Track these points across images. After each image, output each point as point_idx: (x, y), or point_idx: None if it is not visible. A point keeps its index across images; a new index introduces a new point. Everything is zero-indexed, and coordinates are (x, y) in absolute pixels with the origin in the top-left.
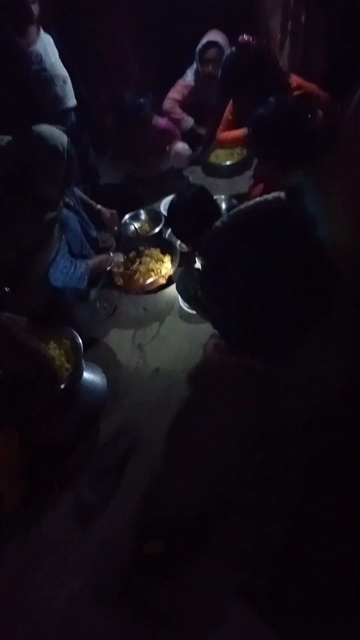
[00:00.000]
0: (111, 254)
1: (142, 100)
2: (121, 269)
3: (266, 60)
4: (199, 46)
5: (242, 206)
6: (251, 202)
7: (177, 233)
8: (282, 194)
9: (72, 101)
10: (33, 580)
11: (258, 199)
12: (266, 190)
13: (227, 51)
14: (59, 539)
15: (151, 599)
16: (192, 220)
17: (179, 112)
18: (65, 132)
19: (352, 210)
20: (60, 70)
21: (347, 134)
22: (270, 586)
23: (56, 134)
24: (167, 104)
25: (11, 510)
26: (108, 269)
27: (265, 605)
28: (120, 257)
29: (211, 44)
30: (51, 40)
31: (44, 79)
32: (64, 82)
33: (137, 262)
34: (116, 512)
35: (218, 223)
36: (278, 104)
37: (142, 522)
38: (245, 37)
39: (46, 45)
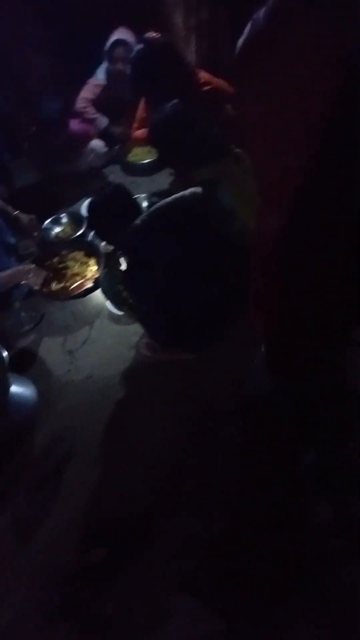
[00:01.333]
0: (32, 267)
1: (51, 111)
2: (37, 286)
3: (173, 56)
4: (107, 45)
5: (160, 203)
6: (169, 199)
7: (98, 233)
8: (198, 189)
9: None
10: None
11: (176, 195)
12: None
13: (135, 48)
14: None
15: (96, 606)
16: (112, 219)
17: (92, 112)
18: None
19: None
20: None
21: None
22: (213, 577)
23: None
24: (80, 103)
25: None
26: (23, 282)
27: (210, 597)
28: (40, 277)
29: (119, 42)
30: None
31: None
32: None
33: (62, 267)
34: (55, 523)
35: (138, 221)
36: (171, 110)
37: (83, 529)
38: (152, 33)
39: None
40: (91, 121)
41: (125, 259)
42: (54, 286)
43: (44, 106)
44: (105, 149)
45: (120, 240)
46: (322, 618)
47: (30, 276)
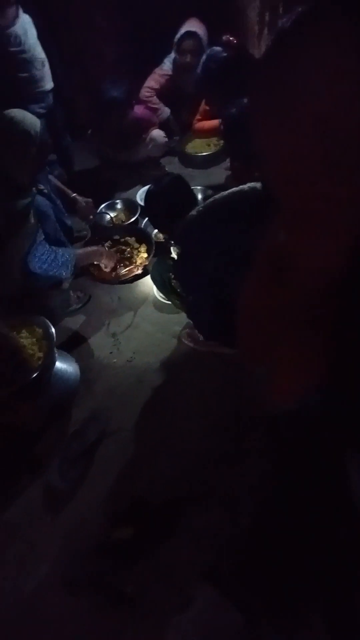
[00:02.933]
0: (106, 249)
1: (117, 93)
2: (108, 269)
3: (246, 61)
4: (178, 36)
5: (217, 195)
6: (227, 192)
7: (153, 221)
8: (258, 184)
9: (49, 84)
10: None
11: (234, 188)
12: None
13: (205, 41)
14: (26, 525)
15: (119, 583)
16: (169, 208)
17: (156, 102)
18: (41, 114)
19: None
20: (40, 52)
21: None
22: (236, 569)
23: (28, 118)
24: (145, 92)
25: None
26: (96, 263)
27: (231, 588)
28: (112, 260)
29: (189, 34)
30: (30, 20)
31: (23, 61)
32: (43, 64)
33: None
34: (85, 498)
35: (194, 211)
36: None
37: (111, 507)
38: (229, 36)
39: (26, 27)
40: (154, 110)
41: (178, 248)
42: (121, 272)
43: (108, 91)
44: (165, 139)
45: (175, 229)
46: (342, 620)
47: (104, 258)
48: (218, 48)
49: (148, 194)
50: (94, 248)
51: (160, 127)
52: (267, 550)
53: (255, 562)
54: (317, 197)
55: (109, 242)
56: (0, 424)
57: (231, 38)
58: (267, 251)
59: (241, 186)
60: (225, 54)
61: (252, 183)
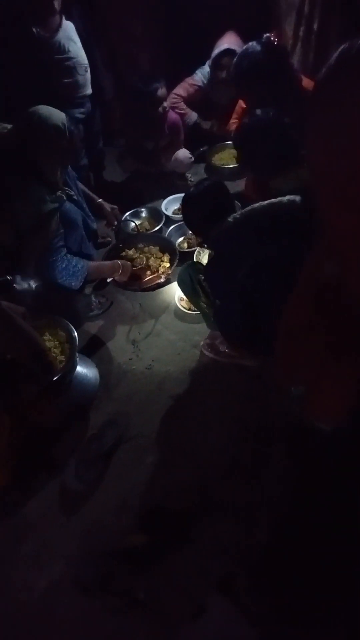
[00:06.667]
0: (119, 263)
1: (154, 84)
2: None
3: (285, 60)
4: (216, 52)
5: (256, 205)
6: (265, 202)
7: (189, 223)
8: (297, 198)
9: (89, 89)
10: (11, 561)
11: (273, 200)
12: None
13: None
14: (42, 522)
15: (130, 588)
16: (207, 212)
17: (183, 107)
18: (80, 119)
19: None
20: (84, 58)
21: None
22: (250, 581)
23: (54, 112)
24: (172, 99)
25: None
26: (109, 280)
27: (244, 600)
28: (127, 273)
29: (229, 51)
30: (74, 28)
31: (68, 67)
32: (86, 70)
33: (136, 259)
34: (100, 501)
35: (231, 218)
36: (262, 116)
37: (125, 513)
38: (272, 36)
39: (69, 34)
40: (181, 116)
41: (211, 252)
42: (144, 279)
43: (141, 83)
44: (191, 159)
45: (210, 233)
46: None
47: (118, 274)
48: (257, 46)
49: (187, 195)
50: (109, 263)
51: (190, 132)
52: (282, 565)
53: (269, 576)
54: None
55: (133, 249)
56: (21, 422)
57: (273, 39)
58: (312, 276)
59: (280, 198)
60: (261, 56)
61: (292, 196)
